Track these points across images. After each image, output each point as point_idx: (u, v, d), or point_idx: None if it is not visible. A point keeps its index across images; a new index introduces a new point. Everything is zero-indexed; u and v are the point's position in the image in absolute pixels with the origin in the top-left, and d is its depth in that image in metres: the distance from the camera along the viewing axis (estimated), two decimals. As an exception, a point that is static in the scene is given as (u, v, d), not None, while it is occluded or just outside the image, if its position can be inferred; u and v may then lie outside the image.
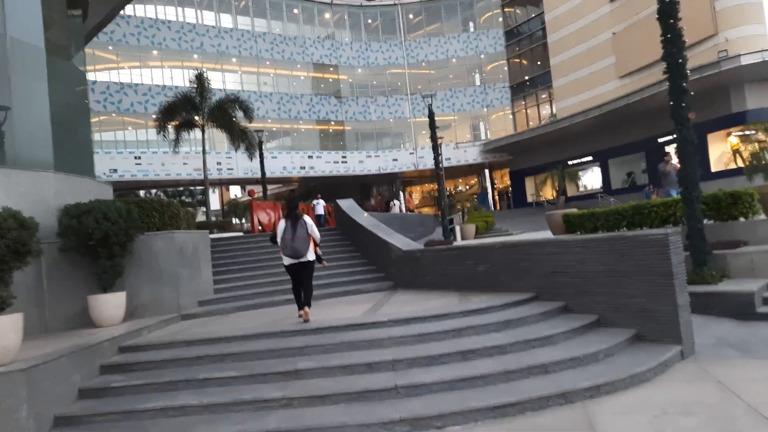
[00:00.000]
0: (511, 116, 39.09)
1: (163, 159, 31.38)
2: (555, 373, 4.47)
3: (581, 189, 33.37)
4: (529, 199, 36.66)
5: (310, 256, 6.55)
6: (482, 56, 39.55)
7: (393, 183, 41.22)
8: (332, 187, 36.51)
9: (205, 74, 18.95)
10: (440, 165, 18.96)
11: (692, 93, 7.27)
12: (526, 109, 38.31)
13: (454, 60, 39.51)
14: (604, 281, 5.53)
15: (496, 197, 40.00)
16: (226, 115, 18.57)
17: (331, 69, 38.42)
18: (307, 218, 6.63)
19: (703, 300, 6.23)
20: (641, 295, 5.17)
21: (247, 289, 9.00)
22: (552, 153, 33.88)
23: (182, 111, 19.16)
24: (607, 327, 5.46)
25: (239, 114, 20.73)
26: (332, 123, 38.00)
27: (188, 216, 9.56)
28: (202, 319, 7.66)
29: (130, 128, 32.55)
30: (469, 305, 6.07)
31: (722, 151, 24.55)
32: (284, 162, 34.78)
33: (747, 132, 23.66)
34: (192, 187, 40.11)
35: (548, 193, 35.23)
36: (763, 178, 14.63)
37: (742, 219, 8.26)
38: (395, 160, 37.81)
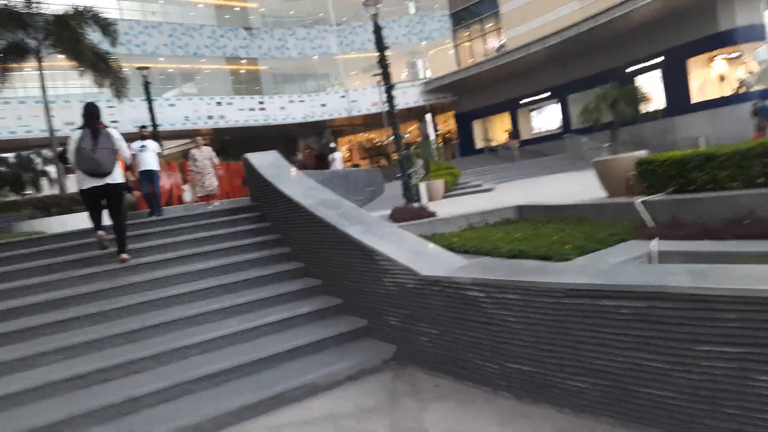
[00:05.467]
0: (452, 50, 34.21)
1: (19, 111, 23.95)
2: None
3: (535, 131, 29.80)
4: (479, 144, 32.58)
5: (119, 177, 4.99)
6: (416, -22, 34.02)
7: (321, 133, 35.45)
8: (250, 140, 30.13)
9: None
10: (393, 100, 14.04)
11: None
12: (470, 41, 33.54)
13: (384, -17, 33.56)
14: None
15: (441, 144, 35.54)
16: (70, 32, 12.12)
17: (237, -7, 31.35)
18: (113, 131, 5.08)
19: None
20: None
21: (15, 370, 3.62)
22: (503, 91, 29.77)
23: (3, 30, 12.48)
24: None
25: (104, 44, 14.34)
26: (243, 61, 31.19)
27: None
28: None
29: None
30: None
31: (704, 78, 21.39)
32: (186, 110, 27.96)
33: (734, 54, 20.55)
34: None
35: (500, 136, 31.34)
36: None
37: None
38: (324, 105, 31.89)
